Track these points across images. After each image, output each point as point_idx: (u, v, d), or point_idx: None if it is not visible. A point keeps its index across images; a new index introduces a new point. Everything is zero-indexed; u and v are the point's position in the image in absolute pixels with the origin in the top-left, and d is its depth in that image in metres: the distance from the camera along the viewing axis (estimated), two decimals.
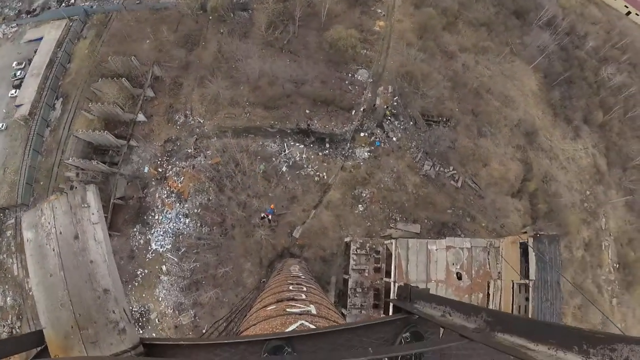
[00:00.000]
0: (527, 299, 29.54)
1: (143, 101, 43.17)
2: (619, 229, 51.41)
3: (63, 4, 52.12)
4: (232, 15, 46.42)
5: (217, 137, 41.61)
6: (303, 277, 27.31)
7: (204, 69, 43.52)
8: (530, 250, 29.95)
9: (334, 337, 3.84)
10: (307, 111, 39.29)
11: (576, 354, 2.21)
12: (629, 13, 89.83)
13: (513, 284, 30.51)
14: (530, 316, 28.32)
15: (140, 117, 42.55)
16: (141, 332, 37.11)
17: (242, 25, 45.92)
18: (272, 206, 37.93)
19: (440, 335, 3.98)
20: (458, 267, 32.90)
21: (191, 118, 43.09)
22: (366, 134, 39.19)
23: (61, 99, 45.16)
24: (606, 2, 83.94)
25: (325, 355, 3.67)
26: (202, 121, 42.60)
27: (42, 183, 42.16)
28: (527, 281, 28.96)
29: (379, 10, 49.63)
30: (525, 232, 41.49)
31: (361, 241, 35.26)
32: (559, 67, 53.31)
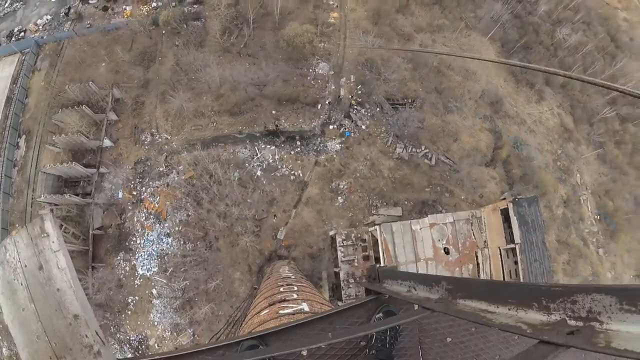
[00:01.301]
0: (515, 263, 30.41)
1: (107, 126, 42.22)
2: (594, 181, 53.16)
3: (13, 39, 50.30)
4: (185, 26, 45.60)
5: (187, 151, 40.99)
6: (293, 277, 27.32)
7: (164, 84, 42.73)
8: (512, 214, 30.71)
9: (307, 328, 3.86)
10: (273, 112, 39.06)
11: (537, 311, 2.17)
12: None
13: (500, 250, 31.39)
14: (522, 278, 28.88)
15: (107, 142, 41.60)
16: None
17: (196, 35, 45.13)
18: None
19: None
20: (444, 242, 33.48)
21: (158, 136, 42.31)
22: (335, 126, 39.26)
23: (24, 136, 43.60)
24: None
25: (287, 345, 3.68)
26: (169, 137, 41.87)
27: (17, 225, 40.67)
28: (513, 245, 29.59)
29: (332, 2, 49.43)
30: (504, 199, 42.30)
31: (346, 232, 35.45)
32: (515, 34, 54.52)
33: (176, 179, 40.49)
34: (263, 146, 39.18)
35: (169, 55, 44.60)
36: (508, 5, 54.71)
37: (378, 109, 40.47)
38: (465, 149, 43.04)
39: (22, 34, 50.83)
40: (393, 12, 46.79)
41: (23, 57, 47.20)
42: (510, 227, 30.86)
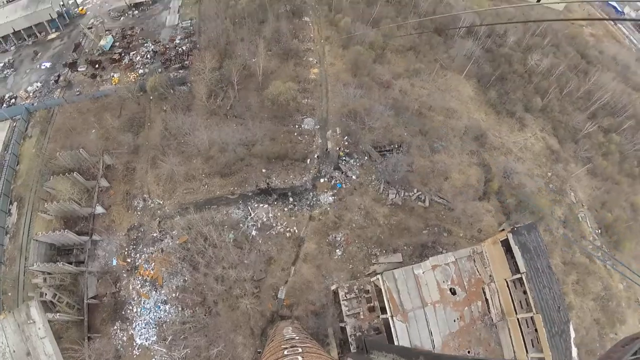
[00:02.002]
0: (524, 292, 29.78)
1: (99, 193, 42.30)
2: (589, 196, 53.46)
3: (4, 105, 51.51)
4: (172, 91, 47.19)
5: (180, 215, 40.75)
6: (297, 337, 26.27)
7: (154, 149, 43.33)
8: (513, 244, 30.55)
9: None
10: (264, 170, 39.46)
11: None
12: (539, 0, 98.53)
13: (507, 282, 30.86)
14: (533, 306, 28.37)
15: (99, 209, 41.39)
16: None
17: (183, 99, 46.56)
18: None
19: None
20: (449, 283, 32.93)
21: (150, 201, 42.21)
22: (326, 179, 39.62)
23: (16, 203, 43.36)
24: None
25: None
26: (161, 202, 41.77)
27: (10, 294, 39.39)
28: (519, 275, 29.41)
29: (311, 59, 51.65)
30: (503, 230, 41.79)
31: (348, 285, 34.77)
32: (489, 68, 56.60)
33: (170, 243, 39.90)
34: (256, 205, 39.17)
35: (157, 121, 45.82)
36: (478, 42, 57.24)
37: (366, 157, 41.05)
38: (457, 186, 43.44)
39: (13, 100, 52.51)
40: (370, 62, 48.71)
41: (14, 124, 48.17)
42: (513, 257, 30.45)
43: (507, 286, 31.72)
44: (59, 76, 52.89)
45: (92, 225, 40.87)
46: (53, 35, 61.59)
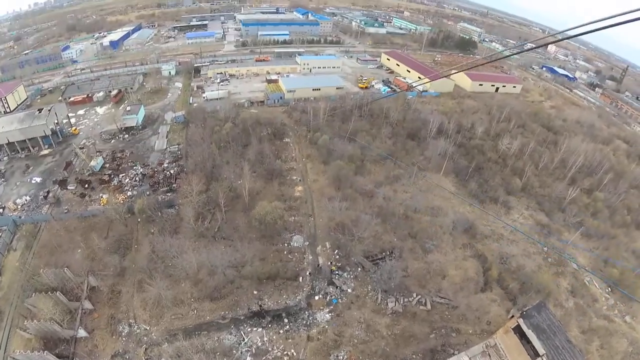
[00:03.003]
0: None
1: (82, 315, 39.36)
2: (590, 259, 52.54)
3: None
4: (159, 214, 47.62)
5: (168, 342, 37.85)
6: None
7: (141, 273, 41.74)
8: (526, 329, 28.73)
9: None
10: (255, 292, 38.31)
11: None
12: (497, 89, 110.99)
13: None
14: None
15: (81, 332, 38.18)
16: None
17: (171, 221, 46.66)
18: None
19: None
20: None
21: (136, 326, 39.48)
22: (320, 296, 38.41)
23: None
24: (478, 92, 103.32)
25: None
26: (148, 328, 39.08)
27: None
28: (539, 358, 26.82)
29: (295, 177, 54.40)
30: (512, 317, 40.34)
31: None
32: (464, 161, 60.46)
33: None
34: (249, 329, 36.98)
35: (144, 243, 45.23)
36: (450, 139, 62.32)
37: (359, 269, 40.65)
38: (456, 282, 42.37)
39: (1, 210, 51.48)
40: (351, 174, 51.65)
41: (0, 235, 46.70)
42: (529, 341, 28.42)
43: None
44: (48, 192, 53.36)
45: (73, 349, 37.38)
46: (46, 152, 63.77)
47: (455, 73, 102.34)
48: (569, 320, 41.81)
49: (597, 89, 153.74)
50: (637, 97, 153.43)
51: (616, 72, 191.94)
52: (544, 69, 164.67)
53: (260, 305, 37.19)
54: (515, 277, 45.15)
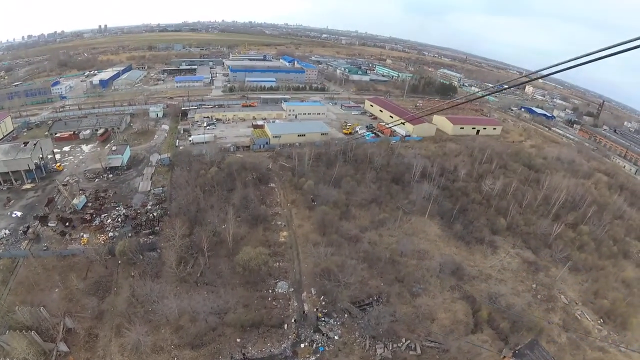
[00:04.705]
0: None
1: (57, 357, 37.54)
2: (580, 292, 52.77)
3: None
4: (141, 256, 46.79)
5: None
6: None
7: (120, 317, 40.30)
8: None
9: None
10: (238, 340, 37.68)
11: None
12: (478, 131, 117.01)
13: None
14: None
15: None
16: None
17: (152, 265, 45.93)
18: None
19: None
20: None
21: None
22: (306, 344, 38.06)
23: None
24: (459, 135, 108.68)
25: None
26: None
27: None
28: None
29: (280, 222, 54.94)
30: (504, 357, 39.89)
31: None
32: (448, 204, 62.33)
33: None
34: None
35: (124, 286, 44.22)
36: (433, 182, 64.81)
37: (346, 315, 40.76)
38: (446, 325, 42.36)
39: None
40: (336, 220, 52.61)
41: None
42: None
43: None
44: (28, 227, 52.13)
45: None
46: (28, 186, 62.84)
47: (435, 113, 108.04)
48: (563, 355, 41.83)
49: (575, 125, 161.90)
50: (615, 130, 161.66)
51: (593, 107, 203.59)
52: (523, 109, 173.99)
53: (244, 354, 36.59)
54: (506, 316, 45.33)
